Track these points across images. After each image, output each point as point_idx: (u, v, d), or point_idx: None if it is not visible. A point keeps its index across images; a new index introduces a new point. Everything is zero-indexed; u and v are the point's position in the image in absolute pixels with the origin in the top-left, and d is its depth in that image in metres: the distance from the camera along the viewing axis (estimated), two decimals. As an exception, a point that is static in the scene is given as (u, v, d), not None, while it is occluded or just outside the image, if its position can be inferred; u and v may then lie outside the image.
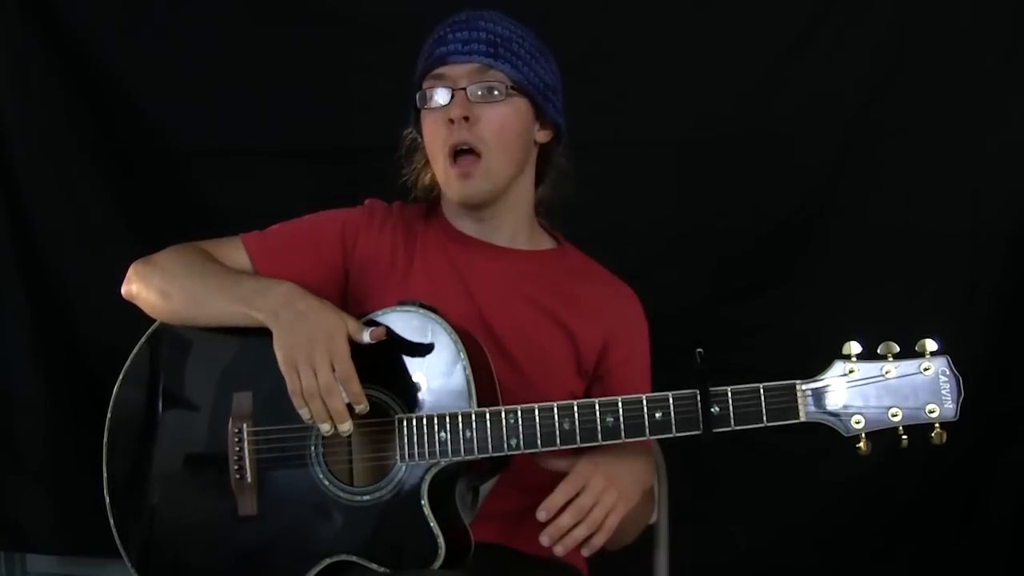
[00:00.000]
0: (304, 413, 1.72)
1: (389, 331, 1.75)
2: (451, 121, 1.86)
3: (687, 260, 2.76)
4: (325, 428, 1.72)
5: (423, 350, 1.75)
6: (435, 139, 1.90)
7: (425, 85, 1.91)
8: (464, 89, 1.86)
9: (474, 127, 1.86)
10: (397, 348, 1.76)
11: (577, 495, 1.71)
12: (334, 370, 1.69)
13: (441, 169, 1.91)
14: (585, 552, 1.74)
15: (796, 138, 2.73)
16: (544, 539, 1.71)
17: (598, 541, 1.72)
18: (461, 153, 1.88)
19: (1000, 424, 2.69)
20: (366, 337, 1.72)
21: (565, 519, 1.70)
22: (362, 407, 1.71)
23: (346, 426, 1.71)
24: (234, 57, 2.87)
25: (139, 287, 1.91)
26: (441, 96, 1.88)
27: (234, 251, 1.94)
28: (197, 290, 1.85)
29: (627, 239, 2.71)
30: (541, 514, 1.70)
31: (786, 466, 2.73)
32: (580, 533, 1.70)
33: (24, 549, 3.17)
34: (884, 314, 2.60)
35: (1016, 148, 2.66)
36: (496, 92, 1.87)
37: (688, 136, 2.75)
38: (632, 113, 2.77)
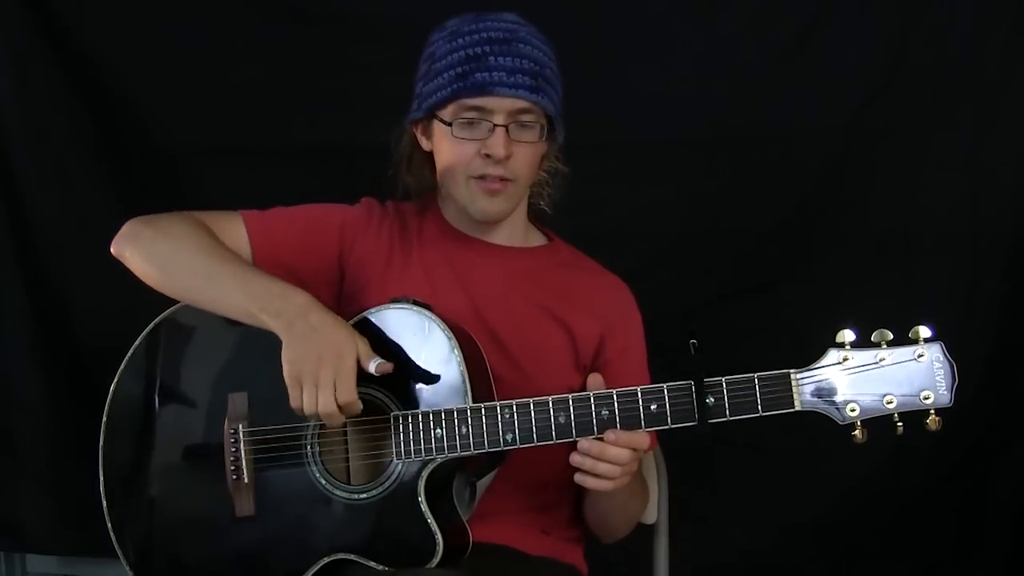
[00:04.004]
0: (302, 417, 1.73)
1: (382, 329, 1.76)
2: (487, 156, 1.84)
3: (687, 260, 2.76)
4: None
5: (418, 348, 1.75)
6: (459, 163, 1.87)
7: (456, 109, 1.85)
8: (505, 127, 1.83)
9: (509, 162, 1.85)
10: (391, 346, 1.75)
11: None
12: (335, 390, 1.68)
13: (462, 187, 1.89)
14: (578, 478, 1.73)
15: (796, 138, 2.73)
16: (575, 457, 1.71)
17: (589, 482, 1.73)
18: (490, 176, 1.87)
19: (1000, 424, 2.70)
20: (372, 367, 1.70)
21: (612, 452, 1.70)
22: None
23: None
24: (234, 57, 2.87)
25: (138, 248, 1.88)
26: (480, 128, 1.84)
27: (233, 227, 1.92)
28: (209, 271, 1.82)
29: (627, 239, 2.71)
30: (611, 435, 1.69)
31: (786, 465, 2.74)
32: (601, 469, 1.71)
33: (24, 549, 3.16)
34: (884, 314, 2.59)
35: (1016, 148, 2.65)
36: (532, 129, 1.86)
37: (688, 136, 2.74)
38: (632, 113, 2.77)
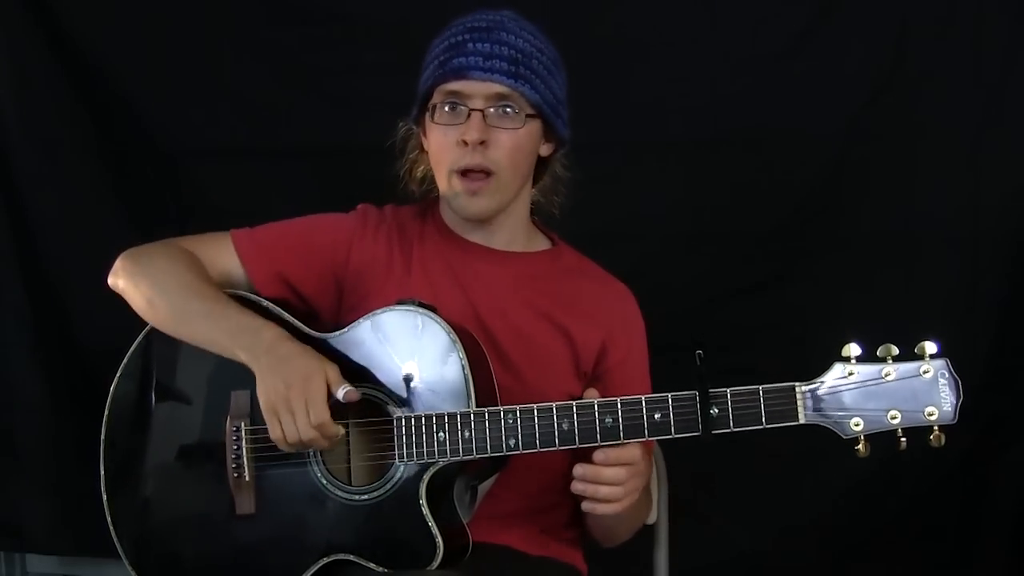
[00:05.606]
0: (289, 451, 1.74)
1: (387, 331, 1.76)
2: (464, 143, 1.84)
3: (687, 260, 2.76)
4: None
5: (421, 350, 1.75)
6: (443, 154, 1.87)
7: (437, 96, 1.87)
8: (481, 111, 1.83)
9: (488, 150, 1.84)
10: (395, 347, 1.75)
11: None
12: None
13: (446, 182, 1.89)
14: (585, 506, 1.74)
15: (796, 138, 2.73)
16: (577, 485, 1.72)
17: (599, 508, 1.74)
18: (471, 170, 1.86)
19: (1000, 424, 2.70)
20: (340, 393, 1.70)
21: (607, 473, 1.71)
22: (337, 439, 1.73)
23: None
24: (234, 57, 2.88)
25: (126, 285, 1.91)
26: (456, 114, 1.85)
27: (222, 250, 1.93)
28: (185, 309, 1.84)
29: (627, 239, 2.71)
30: (600, 455, 1.70)
31: (786, 466, 2.73)
32: (603, 493, 1.72)
33: (24, 549, 3.17)
34: (884, 315, 2.61)
35: (1016, 149, 2.66)
36: (514, 117, 1.85)
37: (688, 136, 2.75)
38: (632, 113, 2.77)
